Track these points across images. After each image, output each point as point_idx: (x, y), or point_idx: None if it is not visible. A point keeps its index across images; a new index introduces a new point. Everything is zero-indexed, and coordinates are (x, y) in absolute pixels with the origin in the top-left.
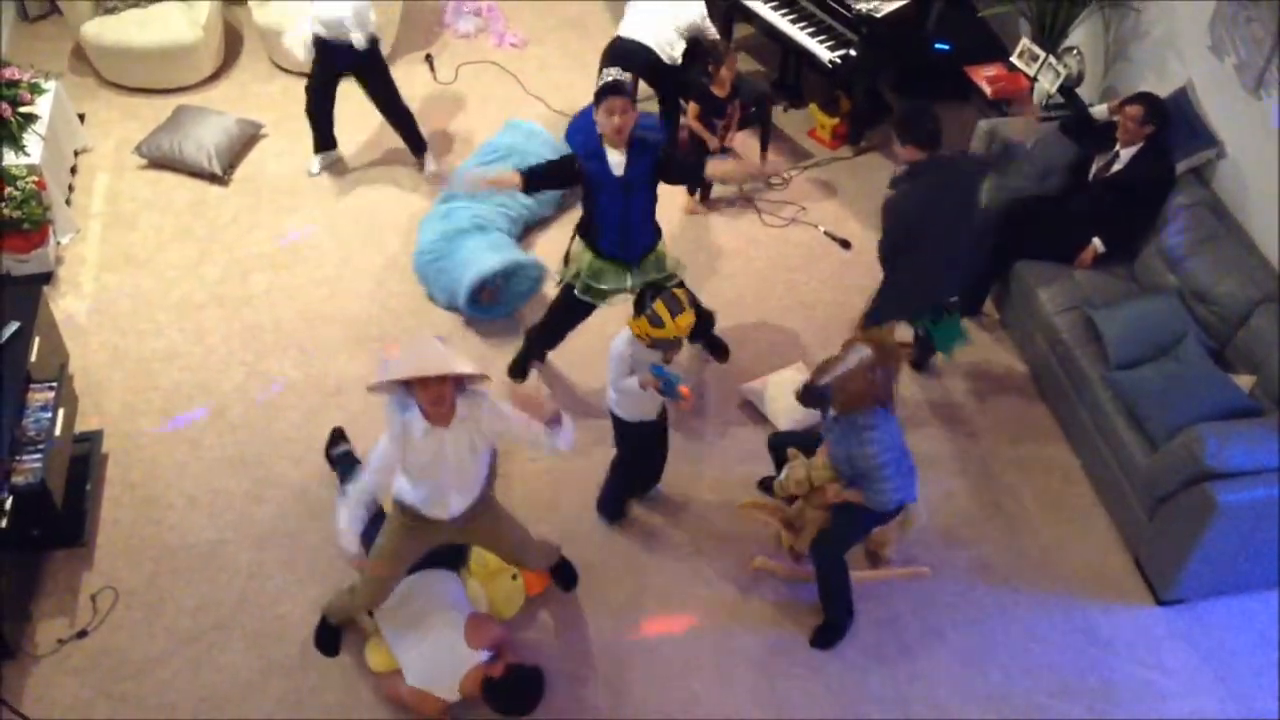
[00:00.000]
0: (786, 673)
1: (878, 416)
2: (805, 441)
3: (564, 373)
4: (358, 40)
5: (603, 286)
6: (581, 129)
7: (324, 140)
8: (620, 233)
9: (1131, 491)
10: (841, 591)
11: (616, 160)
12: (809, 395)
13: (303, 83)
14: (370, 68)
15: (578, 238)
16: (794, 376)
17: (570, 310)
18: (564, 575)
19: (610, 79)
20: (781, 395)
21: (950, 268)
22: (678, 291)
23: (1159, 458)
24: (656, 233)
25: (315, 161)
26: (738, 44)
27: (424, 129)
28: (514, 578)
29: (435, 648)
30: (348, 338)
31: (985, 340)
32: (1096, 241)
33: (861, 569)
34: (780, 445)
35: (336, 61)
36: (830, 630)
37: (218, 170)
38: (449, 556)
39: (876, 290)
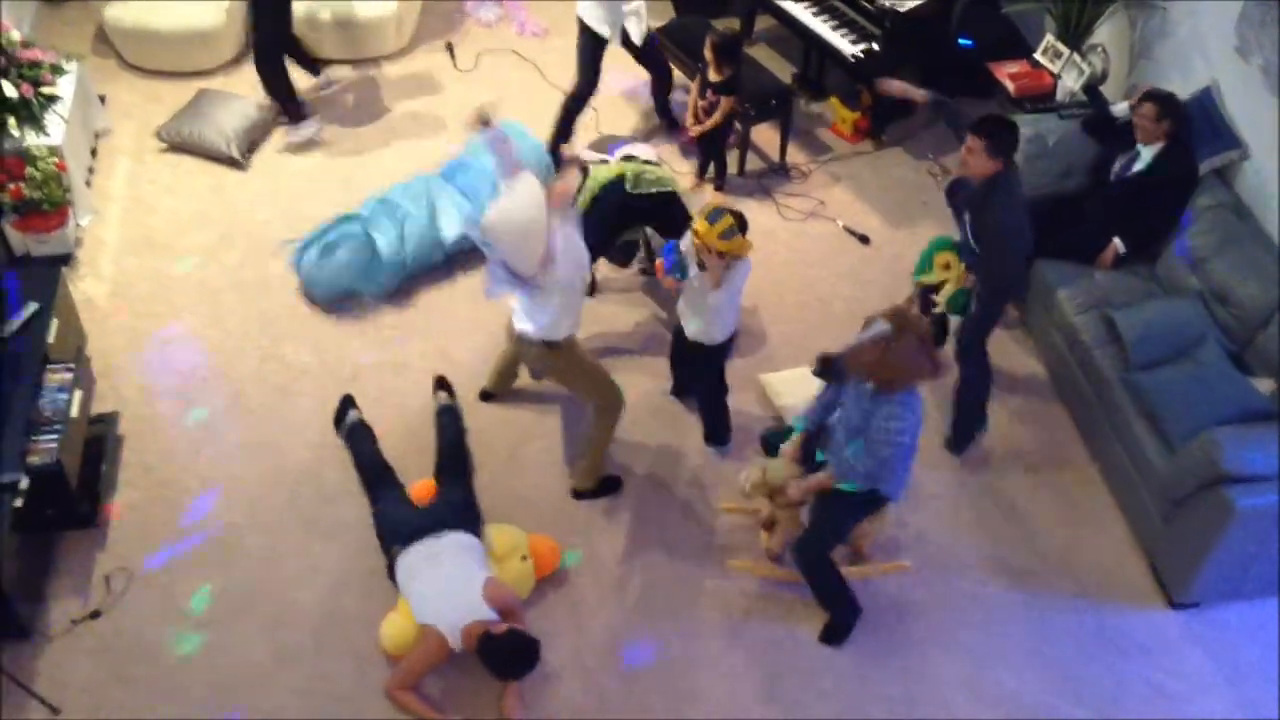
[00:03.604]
0: (794, 669)
1: (912, 398)
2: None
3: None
4: None
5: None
6: None
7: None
8: None
9: (1148, 494)
10: (837, 590)
11: None
12: (822, 366)
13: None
14: None
15: None
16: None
17: None
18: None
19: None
20: (792, 391)
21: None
22: (729, 217)
23: (1176, 460)
24: None
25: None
26: (759, 35)
27: (443, 114)
28: (523, 559)
29: (451, 593)
30: (364, 325)
31: (1004, 339)
32: (1117, 241)
33: (842, 566)
34: (774, 441)
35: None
36: (837, 628)
37: (236, 155)
38: (469, 519)
39: (977, 310)
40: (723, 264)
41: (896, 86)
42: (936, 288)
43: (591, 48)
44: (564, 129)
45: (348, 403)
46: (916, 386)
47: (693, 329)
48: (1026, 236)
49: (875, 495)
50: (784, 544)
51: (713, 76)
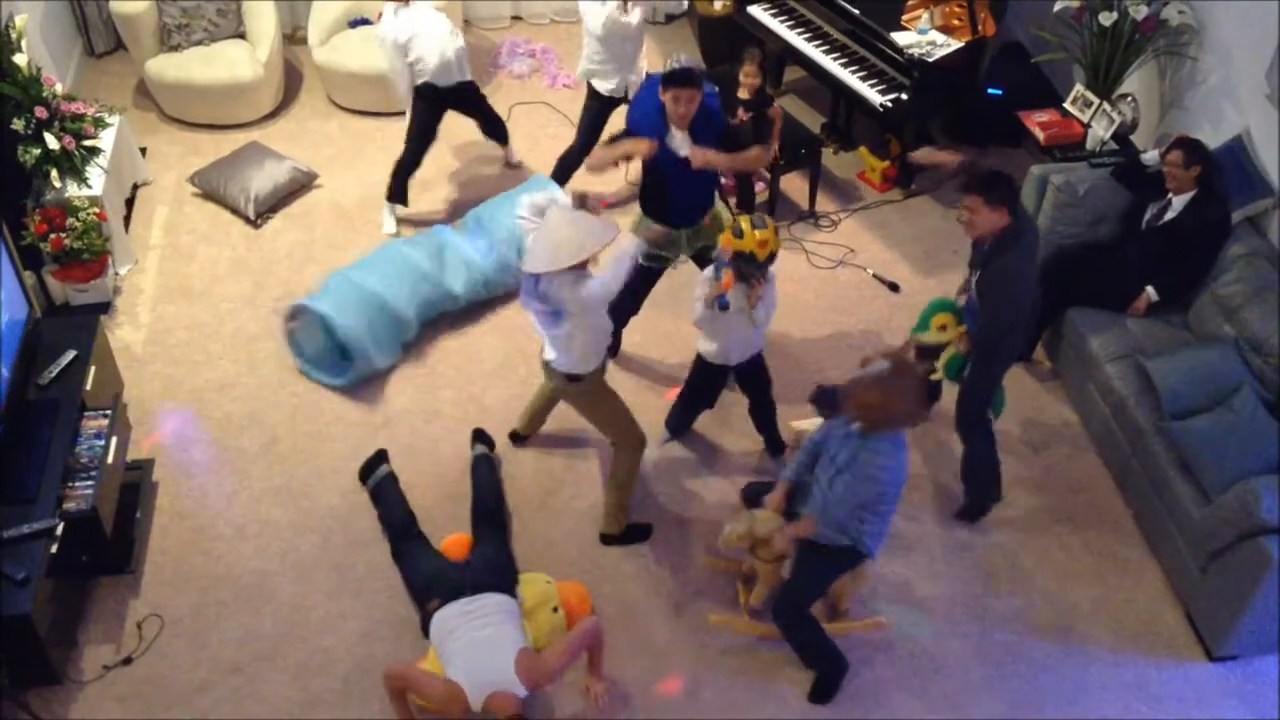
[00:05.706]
0: None
1: (899, 440)
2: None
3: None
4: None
5: (665, 254)
6: (647, 109)
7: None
8: (686, 206)
9: (1184, 544)
10: (817, 647)
11: (681, 140)
12: (820, 397)
13: (358, 120)
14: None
15: (642, 213)
16: None
17: (643, 279)
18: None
19: (679, 65)
20: None
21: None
22: (768, 218)
23: (1213, 511)
24: (713, 195)
25: (391, 219)
26: (788, 86)
27: (476, 166)
28: (554, 610)
29: (484, 656)
30: (396, 372)
31: (1036, 388)
32: (1150, 290)
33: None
34: (757, 494)
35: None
36: (822, 686)
37: (250, 214)
38: (506, 579)
39: (970, 374)
40: (762, 285)
41: (923, 155)
42: (936, 351)
43: (596, 110)
44: (558, 179)
45: (380, 457)
46: (903, 432)
47: (740, 352)
48: (1029, 289)
49: (853, 551)
50: (763, 598)
51: (742, 95)
